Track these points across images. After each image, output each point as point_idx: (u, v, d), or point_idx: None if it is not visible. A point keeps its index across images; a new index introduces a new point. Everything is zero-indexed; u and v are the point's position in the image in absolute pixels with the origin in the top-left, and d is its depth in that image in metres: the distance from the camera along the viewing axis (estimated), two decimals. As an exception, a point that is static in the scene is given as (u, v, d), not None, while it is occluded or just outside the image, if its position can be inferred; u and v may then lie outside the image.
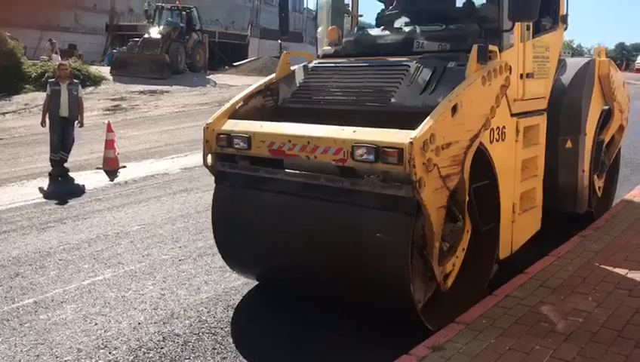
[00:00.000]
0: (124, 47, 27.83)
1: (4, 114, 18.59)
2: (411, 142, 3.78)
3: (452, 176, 4.10)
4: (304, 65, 5.51)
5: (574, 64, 6.56)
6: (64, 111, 10.03)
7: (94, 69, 25.12)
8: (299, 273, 4.75)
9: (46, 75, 21.97)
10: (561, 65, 6.45)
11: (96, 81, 23.79)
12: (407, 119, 4.07)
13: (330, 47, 5.73)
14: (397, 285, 4.06)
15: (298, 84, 5.32)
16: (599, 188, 7.12)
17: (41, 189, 9.36)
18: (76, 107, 10.14)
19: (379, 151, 3.94)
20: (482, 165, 4.70)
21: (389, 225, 4.10)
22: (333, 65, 5.39)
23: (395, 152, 3.87)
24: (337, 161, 4.21)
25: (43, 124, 10.12)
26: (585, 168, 6.27)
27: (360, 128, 4.22)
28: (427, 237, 4.14)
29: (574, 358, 3.72)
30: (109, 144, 10.73)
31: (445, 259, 4.47)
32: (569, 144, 6.17)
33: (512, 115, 4.98)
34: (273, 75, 5.50)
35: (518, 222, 5.25)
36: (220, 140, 4.89)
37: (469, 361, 3.72)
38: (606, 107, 6.83)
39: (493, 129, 4.68)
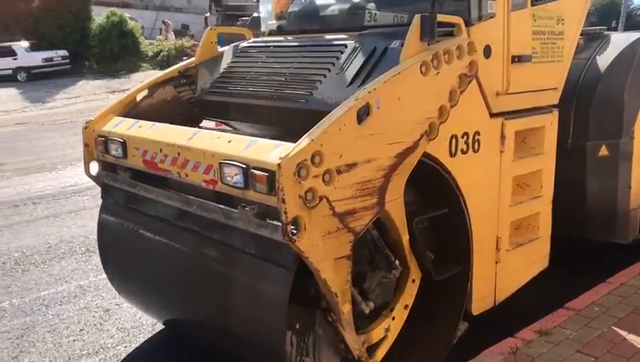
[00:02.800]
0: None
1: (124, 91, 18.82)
2: (279, 165, 2.49)
3: (360, 212, 2.75)
4: (234, 46, 4.26)
5: (621, 41, 4.88)
6: None
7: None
8: (174, 315, 3.77)
9: (161, 54, 23.76)
10: (602, 41, 4.82)
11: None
12: None
13: (274, 21, 4.42)
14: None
15: (222, 70, 4.07)
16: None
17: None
18: None
19: (247, 173, 2.67)
20: (436, 187, 3.32)
21: (263, 281, 2.84)
22: (263, 45, 4.11)
23: (263, 177, 2.58)
24: (207, 183, 2.97)
25: None
26: (632, 183, 4.66)
27: (242, 137, 2.97)
28: (327, 299, 2.83)
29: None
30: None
31: (372, 323, 3.15)
32: (604, 151, 4.56)
33: (494, 115, 3.51)
34: (192, 59, 4.28)
35: (508, 262, 3.80)
36: (98, 144, 3.75)
37: (579, 348, 3.61)
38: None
39: (454, 137, 3.26)
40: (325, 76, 3.30)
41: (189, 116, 4.20)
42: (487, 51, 3.38)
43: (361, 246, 3.13)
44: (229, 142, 2.92)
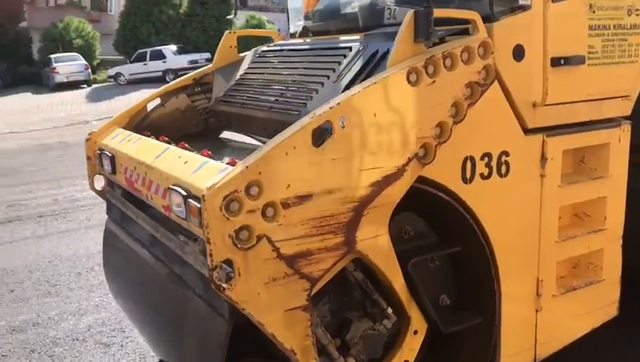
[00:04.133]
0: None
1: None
2: (203, 197, 2.06)
3: (318, 254, 2.24)
4: (255, 50, 3.87)
5: None
6: None
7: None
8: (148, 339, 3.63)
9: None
10: None
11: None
12: None
13: (301, 22, 3.98)
14: None
15: (237, 78, 3.70)
16: None
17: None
18: None
19: (186, 201, 2.27)
20: (444, 220, 2.74)
21: (205, 331, 2.43)
22: (279, 48, 3.68)
23: (196, 208, 2.17)
24: (165, 209, 2.60)
25: None
26: None
27: (201, 157, 2.58)
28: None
29: None
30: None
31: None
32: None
33: (530, 132, 2.83)
34: (209, 65, 3.95)
35: (554, 310, 3.09)
36: (96, 158, 3.52)
37: None
38: None
39: (469, 159, 2.65)
40: (323, 84, 2.82)
41: (206, 126, 3.88)
42: (519, 52, 2.71)
43: (345, 290, 2.63)
44: (186, 162, 2.54)
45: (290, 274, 2.19)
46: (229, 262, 2.08)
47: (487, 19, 2.63)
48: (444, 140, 2.46)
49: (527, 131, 2.82)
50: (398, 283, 2.55)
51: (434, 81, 2.40)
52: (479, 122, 2.60)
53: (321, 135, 2.18)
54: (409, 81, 2.35)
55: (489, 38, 2.55)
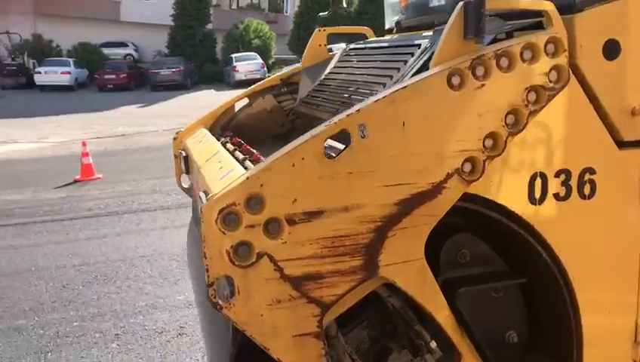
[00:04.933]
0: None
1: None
2: (201, 209, 1.93)
3: (330, 277, 2.00)
4: (343, 48, 3.68)
5: None
6: None
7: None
8: None
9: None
10: None
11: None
12: None
13: (395, 18, 3.70)
14: None
15: (322, 78, 3.55)
16: None
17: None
18: None
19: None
20: (506, 246, 2.35)
21: (220, 344, 2.31)
22: (362, 46, 3.45)
23: None
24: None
25: None
26: None
27: (234, 162, 2.47)
28: None
29: None
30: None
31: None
32: None
33: (626, 145, 2.33)
34: (297, 65, 3.82)
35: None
36: (179, 157, 3.56)
37: None
38: None
39: (539, 176, 2.24)
40: (384, 85, 2.57)
41: (293, 127, 3.77)
42: (612, 49, 2.24)
43: (387, 315, 2.36)
44: (220, 168, 2.43)
45: (296, 297, 1.99)
46: (229, 279, 1.94)
47: (568, 9, 2.20)
48: (496, 154, 2.09)
49: (622, 145, 2.32)
50: (441, 315, 2.23)
51: (483, 85, 2.05)
52: (552, 133, 2.18)
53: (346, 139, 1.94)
54: (450, 85, 2.02)
55: (563, 33, 2.13)
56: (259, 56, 36.32)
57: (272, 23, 41.93)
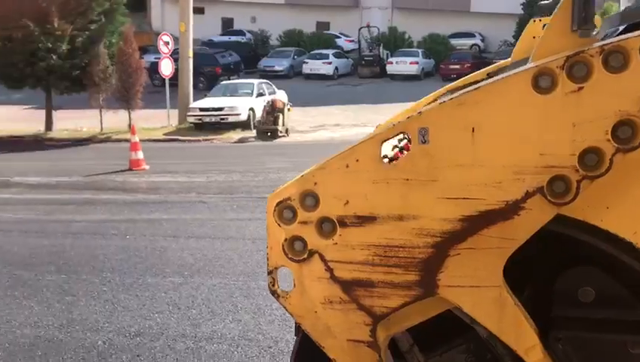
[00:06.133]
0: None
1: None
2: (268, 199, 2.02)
3: (382, 288, 1.88)
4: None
5: None
6: None
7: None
8: None
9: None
10: None
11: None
12: None
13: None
14: None
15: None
16: None
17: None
18: None
19: None
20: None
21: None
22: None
23: None
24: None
25: None
26: None
27: None
28: None
29: None
30: None
31: None
32: None
33: None
34: (505, 60, 3.49)
35: None
36: None
37: None
38: None
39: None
40: None
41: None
42: None
43: (485, 345, 2.13)
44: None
45: (346, 301, 1.94)
46: (291, 270, 1.99)
47: None
48: (597, 174, 1.69)
49: None
50: (533, 357, 1.90)
51: (581, 88, 1.66)
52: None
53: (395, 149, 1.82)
54: (537, 87, 1.70)
55: None
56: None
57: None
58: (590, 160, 1.69)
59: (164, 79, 27.78)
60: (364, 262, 1.89)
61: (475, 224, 1.78)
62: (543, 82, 1.70)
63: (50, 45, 23.64)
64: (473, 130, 1.76)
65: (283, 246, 1.96)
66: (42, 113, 25.63)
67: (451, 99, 1.78)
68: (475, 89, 1.76)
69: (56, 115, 25.56)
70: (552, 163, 1.71)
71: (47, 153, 21.06)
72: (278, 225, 1.95)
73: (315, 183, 1.90)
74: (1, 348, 5.44)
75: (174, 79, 27.20)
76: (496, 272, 1.83)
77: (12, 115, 28.20)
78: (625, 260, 1.81)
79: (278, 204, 1.94)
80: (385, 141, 1.85)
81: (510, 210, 1.75)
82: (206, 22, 46.47)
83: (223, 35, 49.30)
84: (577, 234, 1.83)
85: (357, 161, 1.86)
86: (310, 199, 1.91)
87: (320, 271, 1.94)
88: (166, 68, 27.05)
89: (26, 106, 29.84)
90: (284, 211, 1.94)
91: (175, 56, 27.96)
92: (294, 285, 1.98)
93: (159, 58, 28.20)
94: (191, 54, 27.95)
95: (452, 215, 1.80)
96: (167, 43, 27.58)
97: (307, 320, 2.00)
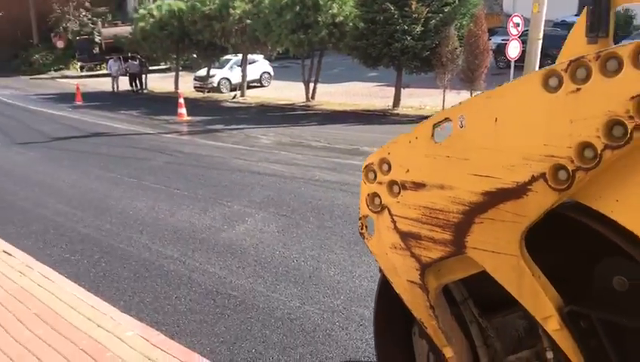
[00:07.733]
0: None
1: None
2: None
3: (426, 241, 2.32)
4: None
5: None
6: None
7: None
8: None
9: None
10: None
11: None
12: None
13: None
14: None
15: None
16: None
17: None
18: None
19: None
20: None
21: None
22: None
23: None
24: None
25: None
26: None
27: None
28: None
29: None
30: None
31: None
32: None
33: None
34: None
35: None
36: None
37: None
38: None
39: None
40: None
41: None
42: None
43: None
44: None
45: (403, 248, 2.44)
46: (369, 217, 2.57)
47: None
48: (588, 166, 1.87)
49: None
50: (550, 326, 2.15)
51: (578, 89, 1.86)
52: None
53: (441, 130, 2.25)
54: (546, 87, 1.94)
55: None
56: None
57: None
58: (583, 153, 1.89)
59: (509, 61, 27.77)
60: (415, 219, 2.37)
61: (495, 198, 2.12)
62: (552, 82, 1.94)
63: (406, 27, 25.73)
64: (496, 120, 2.09)
65: (366, 199, 2.55)
66: (391, 90, 28.20)
67: (483, 93, 2.13)
68: (499, 86, 2.08)
69: (404, 92, 27.84)
70: (553, 153, 1.95)
71: (391, 127, 23.25)
72: (364, 183, 2.54)
73: (389, 153, 2.44)
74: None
75: (520, 61, 26.96)
76: (514, 242, 2.12)
77: (367, 92, 31.62)
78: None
79: (366, 167, 2.53)
80: (437, 124, 2.28)
81: (520, 190, 2.04)
82: (561, 1, 44.15)
83: (577, 15, 46.16)
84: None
85: (416, 138, 2.34)
86: (385, 165, 2.45)
87: (388, 222, 2.48)
88: (513, 49, 26.96)
89: (379, 83, 33.05)
90: (369, 173, 2.52)
91: (523, 37, 27.63)
92: (374, 231, 2.55)
93: (506, 40, 28.21)
94: (540, 36, 27.29)
95: (478, 189, 2.16)
96: (517, 25, 27.41)
97: (381, 259, 2.56)
